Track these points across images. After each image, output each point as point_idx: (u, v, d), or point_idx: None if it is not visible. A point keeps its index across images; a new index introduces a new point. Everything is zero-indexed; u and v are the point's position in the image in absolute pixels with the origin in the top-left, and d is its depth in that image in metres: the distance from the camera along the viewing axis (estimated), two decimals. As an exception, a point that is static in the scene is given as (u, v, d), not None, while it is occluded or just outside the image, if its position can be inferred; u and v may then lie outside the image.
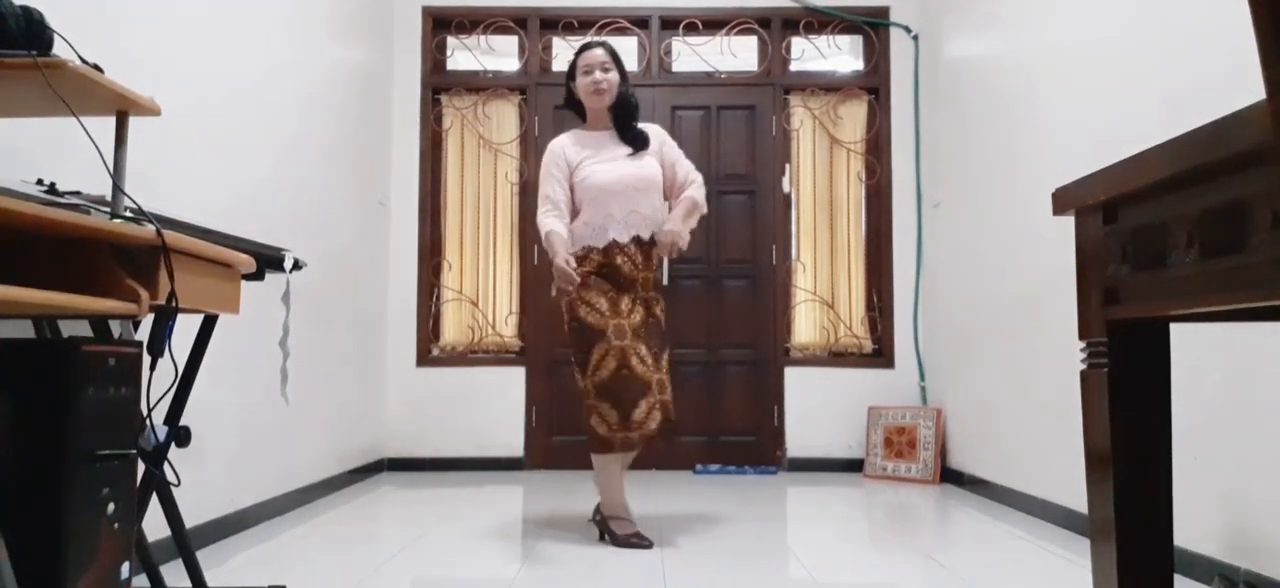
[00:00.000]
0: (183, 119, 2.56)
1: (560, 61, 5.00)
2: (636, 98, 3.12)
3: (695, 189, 3.03)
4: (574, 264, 2.84)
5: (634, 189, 2.94)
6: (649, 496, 3.86)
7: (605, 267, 2.91)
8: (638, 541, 2.83)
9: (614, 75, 3.01)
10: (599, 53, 3.03)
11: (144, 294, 1.39)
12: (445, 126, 4.93)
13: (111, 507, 1.43)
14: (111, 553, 1.44)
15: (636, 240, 2.94)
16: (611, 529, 2.90)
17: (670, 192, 3.07)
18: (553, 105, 4.90)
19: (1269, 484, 2.19)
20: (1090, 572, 1.20)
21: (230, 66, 2.94)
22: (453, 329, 4.88)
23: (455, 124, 4.93)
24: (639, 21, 4.92)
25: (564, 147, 3.04)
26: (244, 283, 1.89)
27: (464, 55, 5.04)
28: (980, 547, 2.96)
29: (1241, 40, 1.22)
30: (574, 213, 2.98)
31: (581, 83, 3.03)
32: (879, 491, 4.15)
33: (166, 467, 1.87)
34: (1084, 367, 1.20)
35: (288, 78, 3.43)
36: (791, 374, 4.77)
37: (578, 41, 4.93)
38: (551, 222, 2.91)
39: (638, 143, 3.01)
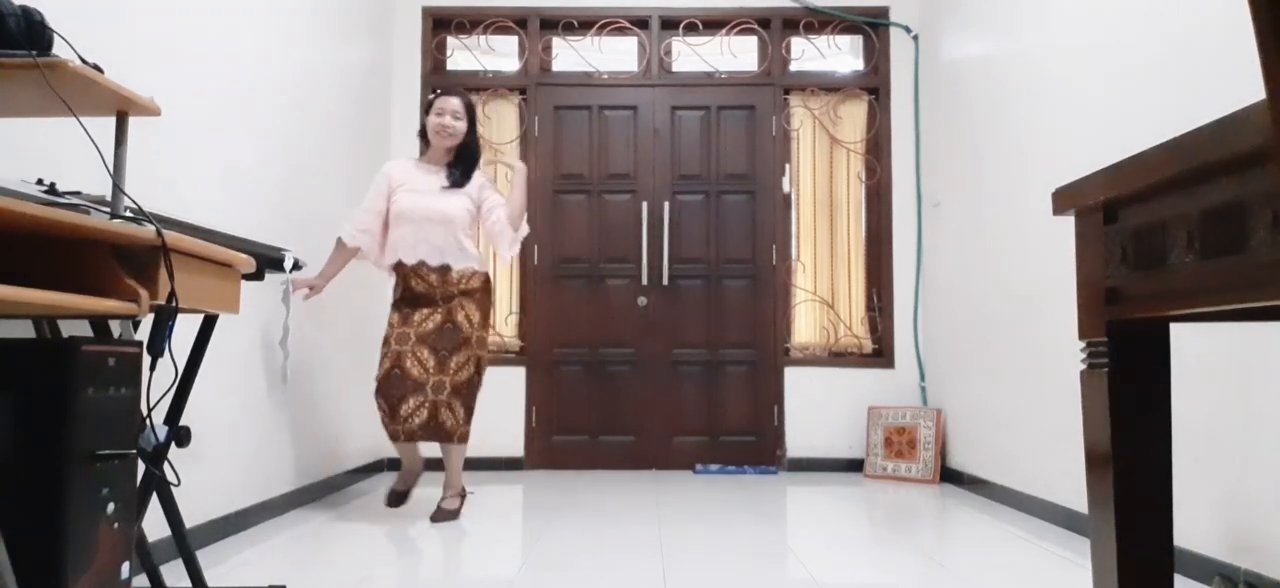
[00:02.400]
0: (182, 119, 2.56)
1: (560, 62, 5.01)
2: (480, 151, 3.50)
3: (501, 211, 3.39)
4: (316, 283, 3.32)
5: (428, 220, 3.29)
6: (649, 495, 3.86)
7: (406, 290, 3.31)
8: (388, 498, 3.45)
9: (462, 125, 3.37)
10: (454, 102, 3.38)
11: (144, 294, 1.39)
12: (445, 126, 4.92)
13: (111, 507, 1.43)
14: (111, 553, 1.44)
15: (426, 265, 3.30)
16: (405, 484, 3.46)
17: (483, 223, 3.43)
18: (553, 105, 4.91)
19: (1269, 484, 2.19)
20: (1090, 572, 1.20)
21: (230, 66, 2.94)
22: (453, 329, 4.87)
23: (455, 124, 4.93)
24: (639, 21, 4.92)
25: (392, 169, 3.42)
26: (244, 283, 1.89)
27: (464, 55, 5.04)
28: (980, 547, 2.96)
29: (1241, 40, 1.22)
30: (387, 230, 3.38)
31: (433, 121, 3.37)
32: (879, 491, 4.15)
33: (166, 467, 1.87)
34: (1084, 367, 1.20)
35: (288, 78, 3.43)
36: (791, 374, 4.77)
37: (578, 41, 4.95)
38: (344, 230, 3.36)
39: (456, 182, 3.35)
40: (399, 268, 3.32)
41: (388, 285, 4.68)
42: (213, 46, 2.83)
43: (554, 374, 4.76)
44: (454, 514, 3.32)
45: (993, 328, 3.84)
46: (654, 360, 4.78)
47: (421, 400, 3.18)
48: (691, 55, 4.97)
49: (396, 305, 3.33)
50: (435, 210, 3.30)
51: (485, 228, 3.43)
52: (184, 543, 1.99)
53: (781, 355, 4.79)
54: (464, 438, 3.28)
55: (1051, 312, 3.21)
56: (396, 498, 3.44)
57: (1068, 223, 1.27)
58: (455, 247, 3.31)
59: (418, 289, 3.29)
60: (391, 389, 3.19)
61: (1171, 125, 1.07)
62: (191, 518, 2.42)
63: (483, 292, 3.37)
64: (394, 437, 3.24)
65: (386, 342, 3.28)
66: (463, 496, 3.41)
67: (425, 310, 3.28)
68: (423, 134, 3.48)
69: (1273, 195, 0.82)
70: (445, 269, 3.30)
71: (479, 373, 3.31)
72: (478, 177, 3.43)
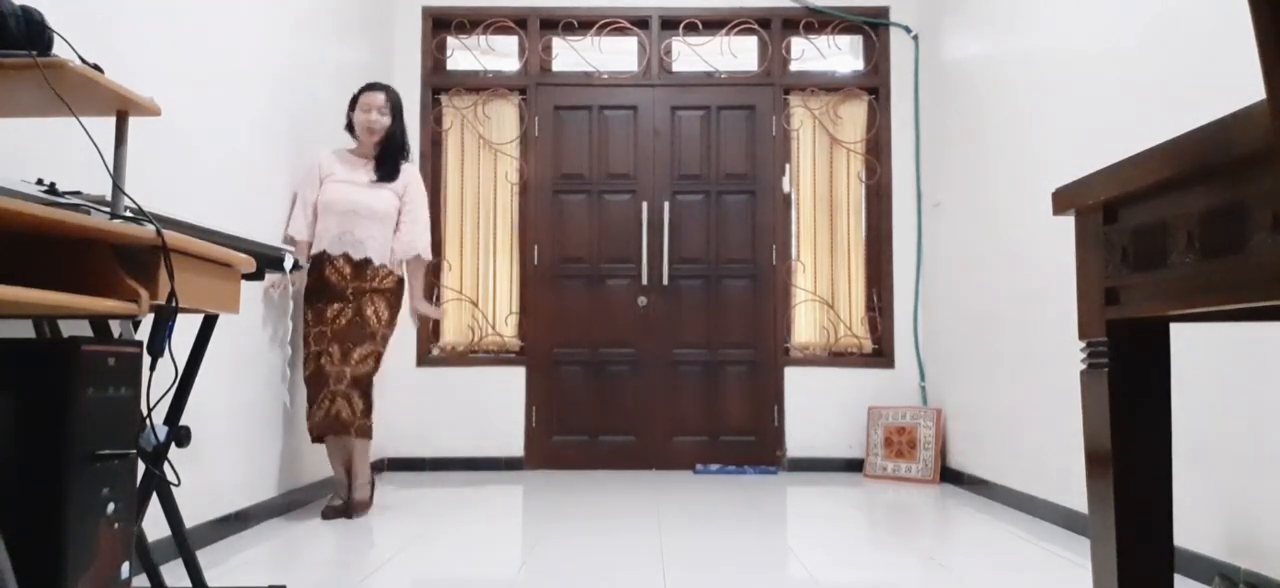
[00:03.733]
0: (183, 119, 2.56)
1: (560, 62, 5.00)
2: (407, 143, 3.55)
3: (424, 248, 3.49)
4: (287, 287, 3.35)
5: (354, 213, 3.33)
6: (649, 495, 3.86)
7: (319, 279, 3.32)
8: (325, 513, 3.28)
9: (386, 120, 3.42)
10: (380, 97, 3.43)
11: (144, 294, 1.39)
12: (445, 126, 4.93)
13: (111, 507, 1.43)
14: (111, 553, 1.44)
15: (346, 257, 3.32)
16: (341, 498, 3.35)
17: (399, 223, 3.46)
18: (553, 105, 4.91)
19: (1269, 484, 2.19)
20: (1090, 572, 1.20)
21: (230, 66, 2.94)
22: (453, 329, 4.88)
23: (455, 124, 4.93)
24: (639, 21, 4.92)
25: (322, 159, 3.45)
26: (244, 283, 1.89)
27: (464, 55, 5.04)
28: (980, 547, 2.96)
29: (1241, 40, 1.22)
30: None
31: (358, 117, 3.43)
32: (879, 491, 4.15)
33: (166, 467, 1.87)
34: (1084, 367, 1.20)
35: (288, 77, 3.43)
36: (791, 374, 4.77)
37: (578, 41, 4.95)
38: (294, 230, 3.36)
39: (384, 176, 3.41)
40: (317, 258, 3.33)
41: (388, 285, 4.72)
42: (213, 46, 2.82)
43: (554, 374, 4.76)
44: (365, 506, 3.32)
45: (993, 328, 3.84)
46: (654, 361, 4.78)
47: (327, 394, 3.23)
48: (691, 55, 4.97)
49: (308, 299, 3.34)
50: (362, 204, 3.35)
51: (399, 227, 3.45)
52: (184, 543, 1.99)
53: (781, 355, 4.79)
54: (363, 431, 3.27)
55: (1052, 311, 3.21)
56: (331, 513, 3.28)
57: (1068, 223, 1.27)
58: (379, 241, 3.37)
59: (331, 280, 3.31)
60: (313, 388, 3.26)
61: (1171, 125, 1.07)
62: (191, 518, 2.42)
63: (394, 292, 3.42)
64: (317, 431, 3.26)
65: (306, 341, 3.31)
66: (372, 485, 3.40)
67: (336, 306, 3.30)
68: (350, 128, 3.50)
69: (1273, 195, 0.81)
70: (365, 263, 3.33)
71: (377, 366, 3.34)
72: (406, 171, 3.49)
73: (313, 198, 3.38)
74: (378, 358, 3.34)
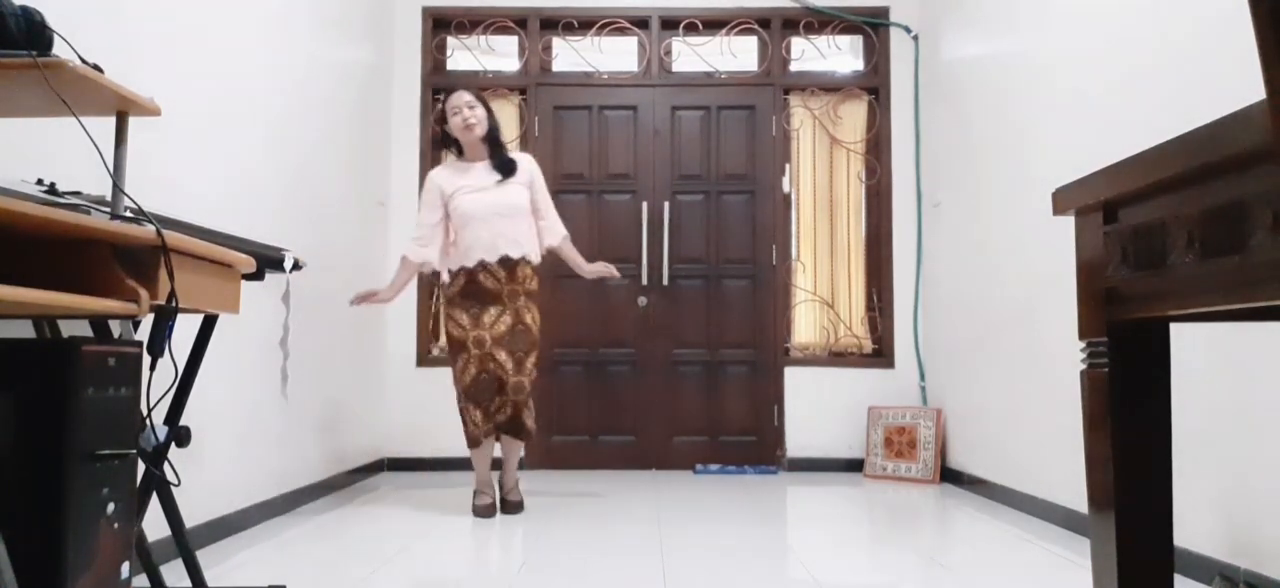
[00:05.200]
0: (183, 119, 2.56)
1: (560, 62, 5.00)
2: (500, 128, 3.59)
3: (564, 244, 3.57)
4: (376, 298, 3.51)
5: (498, 215, 3.37)
6: (649, 495, 3.86)
7: (470, 286, 3.36)
8: (482, 511, 3.38)
9: (480, 111, 3.45)
10: (465, 95, 3.48)
11: (144, 294, 1.39)
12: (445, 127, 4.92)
13: (111, 507, 1.43)
14: (111, 553, 1.44)
15: (502, 260, 3.37)
16: (474, 501, 3.44)
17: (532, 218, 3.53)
18: (553, 105, 4.91)
19: (1269, 484, 2.19)
20: (1090, 572, 1.20)
21: (230, 66, 2.94)
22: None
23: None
24: (639, 21, 4.92)
25: (440, 179, 3.49)
26: (244, 283, 1.89)
27: (464, 55, 5.04)
28: (980, 547, 2.96)
29: (1241, 40, 1.22)
30: (450, 237, 3.46)
31: (453, 122, 3.45)
32: (879, 491, 4.15)
33: (166, 467, 1.87)
34: (1084, 367, 1.20)
35: (288, 77, 3.43)
36: (791, 374, 4.77)
37: (578, 41, 4.95)
38: (410, 248, 3.45)
39: (506, 171, 3.44)
40: (471, 269, 3.36)
41: (385, 286, 4.71)
42: (213, 46, 2.82)
43: (554, 374, 4.76)
44: (521, 505, 3.46)
45: (993, 328, 3.84)
46: (654, 361, 4.78)
47: (504, 400, 3.35)
48: (691, 55, 4.97)
49: (460, 304, 3.37)
50: (503, 204, 3.39)
51: (538, 224, 3.52)
52: (184, 543, 1.98)
53: (781, 355, 4.79)
54: (531, 436, 3.47)
55: (1051, 312, 3.21)
56: (489, 510, 3.41)
57: (1068, 223, 1.27)
58: (527, 235, 3.43)
59: (486, 285, 3.36)
60: (481, 393, 3.34)
61: (1171, 125, 1.06)
62: (191, 518, 2.42)
63: (538, 292, 3.49)
64: (476, 441, 3.38)
65: (464, 346, 3.34)
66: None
67: (493, 311, 3.35)
68: (444, 142, 3.58)
69: (1273, 195, 0.81)
70: (517, 264, 3.38)
71: (537, 374, 3.48)
72: (522, 160, 3.53)
73: (436, 219, 3.42)
74: (539, 365, 3.46)
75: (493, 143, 3.48)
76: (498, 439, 3.47)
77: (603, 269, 3.62)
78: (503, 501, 3.47)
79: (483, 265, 3.35)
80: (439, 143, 3.59)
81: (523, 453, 3.57)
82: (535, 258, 3.46)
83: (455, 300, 3.38)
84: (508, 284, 3.37)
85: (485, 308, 3.35)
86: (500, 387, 3.34)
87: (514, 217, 3.39)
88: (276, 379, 3.31)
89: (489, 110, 3.50)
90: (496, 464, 3.52)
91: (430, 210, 3.44)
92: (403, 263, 3.47)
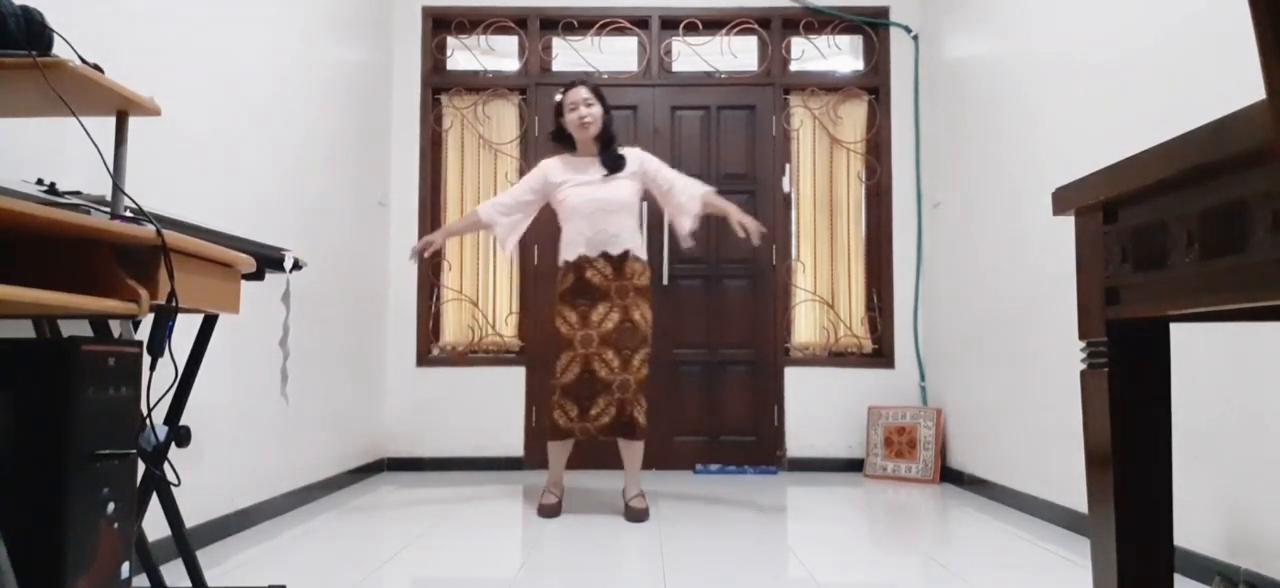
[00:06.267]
0: (183, 119, 2.56)
1: (560, 62, 5.00)
2: (614, 126, 3.55)
3: (708, 197, 3.47)
4: (431, 245, 3.52)
5: (601, 210, 3.35)
6: (650, 495, 3.86)
7: (578, 282, 3.34)
8: (546, 510, 3.35)
9: (597, 109, 3.44)
10: (582, 90, 3.46)
11: (144, 294, 1.39)
12: (445, 126, 4.93)
13: (111, 507, 1.43)
14: (111, 553, 1.44)
15: (605, 255, 3.34)
16: (540, 498, 3.44)
17: (663, 203, 3.52)
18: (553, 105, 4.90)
19: (1269, 484, 2.19)
20: (1090, 572, 1.20)
21: (230, 66, 2.94)
22: (453, 329, 4.88)
23: (455, 124, 4.93)
24: (639, 21, 4.92)
25: (551, 167, 3.50)
26: (244, 283, 1.89)
27: (464, 55, 5.04)
28: (980, 547, 2.96)
29: (1241, 40, 1.22)
30: (557, 231, 3.48)
31: (569, 119, 3.45)
32: (879, 491, 4.15)
33: (166, 467, 1.87)
34: (1084, 367, 1.20)
35: (287, 77, 3.43)
36: (791, 374, 4.77)
37: (578, 41, 4.95)
38: (486, 209, 3.48)
39: (613, 166, 3.41)
40: (574, 263, 3.36)
41: (388, 286, 4.73)
42: (213, 45, 2.82)
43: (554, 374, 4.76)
44: (646, 513, 3.34)
45: (993, 328, 3.84)
46: (654, 360, 4.76)
47: (609, 400, 3.28)
48: (691, 55, 4.97)
49: (569, 301, 3.35)
50: (608, 200, 3.36)
51: (671, 201, 3.46)
52: (184, 543, 1.99)
53: (781, 355, 4.79)
54: (646, 433, 3.39)
55: (1051, 311, 3.21)
56: (552, 510, 3.38)
57: (1068, 223, 1.27)
58: (631, 231, 3.38)
59: (593, 281, 3.34)
60: (582, 391, 3.30)
61: (1171, 125, 1.06)
62: (191, 518, 2.42)
63: (649, 288, 3.43)
64: (559, 435, 3.34)
65: (569, 343, 3.32)
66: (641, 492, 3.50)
67: (602, 308, 3.32)
68: (558, 136, 3.54)
69: (1273, 195, 0.82)
70: (622, 259, 3.35)
71: (649, 371, 3.40)
72: (632, 153, 3.50)
73: (527, 199, 3.45)
74: (650, 361, 3.39)
75: (606, 141, 3.46)
76: (599, 439, 3.38)
77: (754, 226, 3.42)
78: (625, 507, 3.36)
79: (588, 261, 3.33)
80: (555, 138, 3.56)
81: (640, 457, 3.46)
82: (642, 253, 3.41)
83: (565, 297, 3.36)
84: (616, 281, 3.33)
85: (593, 305, 3.32)
86: (604, 388, 3.28)
87: (617, 213, 3.35)
88: (276, 379, 3.31)
89: (606, 108, 3.48)
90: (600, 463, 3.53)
91: (524, 189, 3.46)
92: (472, 213, 3.50)
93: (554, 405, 3.35)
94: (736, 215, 3.44)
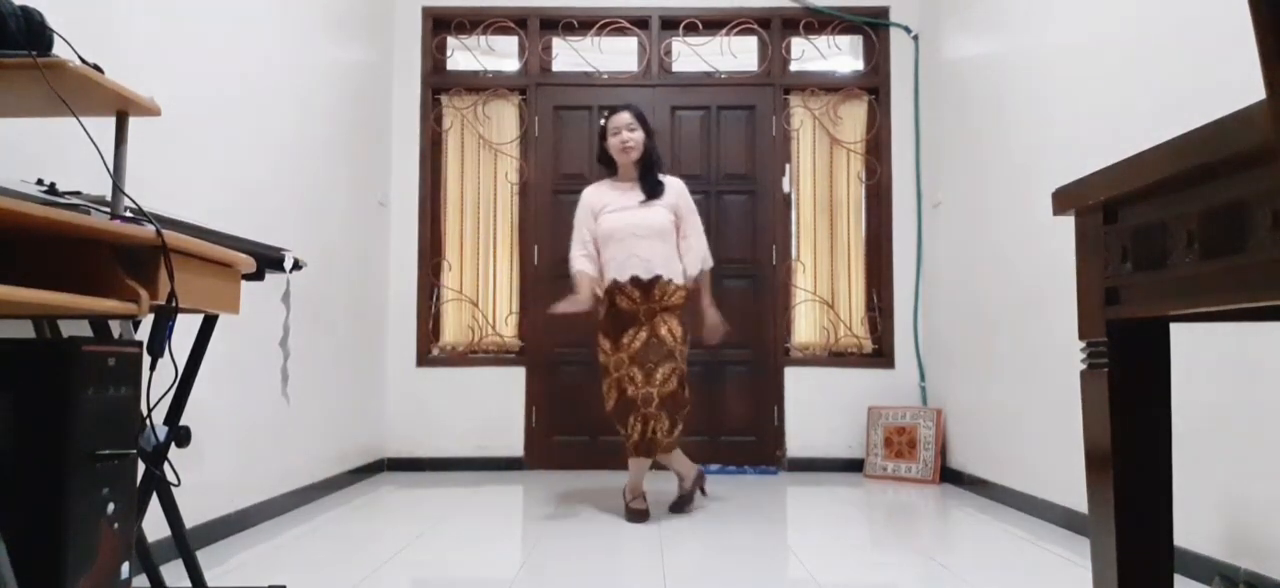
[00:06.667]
0: (183, 119, 2.56)
1: (560, 62, 5.01)
2: (659, 153, 3.59)
3: (704, 260, 3.50)
4: (588, 302, 3.42)
5: (634, 235, 3.37)
6: (650, 495, 3.85)
7: (612, 309, 3.40)
8: (633, 516, 3.33)
9: (639, 135, 3.46)
10: (625, 116, 3.48)
11: (144, 294, 1.39)
12: (445, 126, 4.93)
13: (111, 507, 1.43)
14: (111, 553, 1.44)
15: (634, 280, 3.35)
16: (629, 503, 3.42)
17: (680, 238, 3.50)
18: (553, 105, 4.91)
19: (1269, 484, 2.19)
20: (1090, 572, 1.20)
21: (230, 66, 2.94)
22: (453, 329, 4.88)
23: (455, 124, 4.93)
24: (639, 21, 4.92)
25: (590, 196, 3.53)
26: (244, 283, 1.89)
27: (464, 55, 5.04)
28: (980, 547, 2.96)
29: (1241, 40, 1.22)
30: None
31: (612, 142, 3.48)
32: (879, 491, 4.15)
33: (166, 467, 1.87)
34: (1084, 367, 1.20)
35: (288, 78, 3.43)
36: (791, 374, 4.77)
37: (578, 41, 4.95)
38: (580, 263, 3.47)
39: (651, 193, 3.44)
40: (610, 289, 3.39)
41: (388, 286, 4.73)
42: (213, 46, 2.82)
43: (554, 374, 4.76)
44: (690, 499, 3.49)
45: (993, 328, 3.84)
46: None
47: (636, 417, 3.29)
48: (691, 55, 4.97)
49: (606, 328, 3.41)
50: (639, 224, 3.39)
51: (682, 247, 3.48)
52: (184, 543, 1.99)
53: (781, 355, 4.79)
54: (671, 447, 3.37)
55: (1051, 311, 3.21)
56: (640, 516, 3.35)
57: (1068, 223, 1.27)
58: (663, 257, 3.38)
59: (623, 307, 3.37)
60: (624, 414, 3.33)
61: (1172, 125, 1.06)
62: (191, 518, 2.42)
63: (682, 307, 3.42)
64: (634, 453, 3.35)
65: (606, 371, 3.39)
66: (698, 478, 3.58)
67: (631, 330, 3.35)
68: (602, 160, 3.57)
69: (1273, 195, 0.81)
70: (653, 282, 3.35)
71: (682, 388, 3.35)
72: (671, 184, 3.51)
73: (588, 235, 3.47)
74: (681, 377, 3.35)
75: (646, 166, 3.48)
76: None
77: (715, 319, 3.52)
78: (672, 499, 3.49)
79: (619, 287, 3.36)
80: (599, 160, 3.60)
81: (675, 458, 3.48)
82: (676, 277, 3.39)
83: (604, 326, 3.42)
84: (644, 304, 3.35)
85: (624, 330, 3.35)
86: (632, 407, 3.30)
87: (649, 238, 3.37)
88: (276, 379, 3.31)
89: (649, 133, 3.50)
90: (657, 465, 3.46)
91: (582, 227, 3.50)
92: (582, 277, 3.44)
93: (616, 428, 3.41)
94: (708, 313, 3.53)
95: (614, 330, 3.37)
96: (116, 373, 1.45)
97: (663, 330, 3.33)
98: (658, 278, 3.35)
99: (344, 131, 4.06)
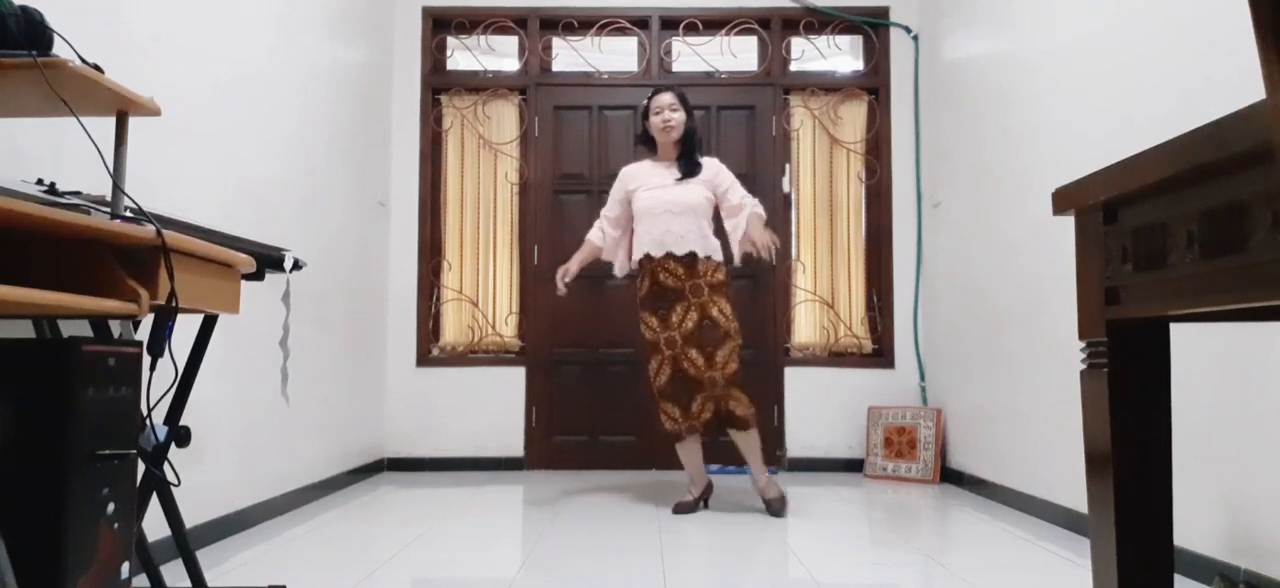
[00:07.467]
0: (183, 119, 2.56)
1: (560, 62, 5.01)
2: (700, 136, 3.67)
3: (754, 206, 3.50)
4: (568, 275, 3.55)
5: (668, 212, 3.41)
6: (649, 495, 3.86)
7: (654, 286, 3.41)
8: (681, 508, 3.43)
9: (681, 115, 3.51)
10: (669, 96, 3.54)
11: (144, 294, 1.39)
12: (445, 127, 4.93)
13: (111, 507, 1.43)
14: (111, 553, 1.44)
15: (671, 256, 3.38)
16: (694, 494, 3.51)
17: (725, 217, 3.52)
18: (553, 105, 4.91)
19: (1269, 484, 2.19)
20: (1090, 572, 1.20)
21: (230, 67, 2.94)
22: (453, 329, 4.88)
23: (455, 124, 4.93)
24: (639, 21, 4.92)
25: (629, 173, 3.60)
26: (244, 283, 1.89)
27: (464, 55, 5.04)
28: (980, 547, 2.96)
29: (1242, 40, 1.22)
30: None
31: (654, 121, 3.53)
32: (879, 491, 4.15)
33: (166, 467, 1.87)
34: (1084, 367, 1.20)
35: (288, 78, 3.43)
36: (791, 374, 4.77)
37: (578, 41, 4.95)
38: (593, 233, 3.60)
39: (688, 171, 3.49)
40: (645, 263, 3.43)
41: (388, 286, 4.73)
42: (212, 46, 2.82)
43: (554, 374, 4.76)
44: (782, 501, 3.44)
45: (993, 328, 3.84)
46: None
47: (706, 397, 3.35)
48: (691, 55, 4.97)
49: (648, 306, 3.43)
50: (675, 202, 3.43)
51: (731, 218, 3.49)
52: (184, 543, 1.99)
53: (781, 355, 4.79)
54: (751, 423, 3.40)
55: (1051, 312, 3.21)
56: (688, 507, 3.45)
57: (1068, 223, 1.27)
58: (698, 233, 3.41)
59: (666, 283, 3.39)
60: (679, 392, 3.38)
61: (1172, 125, 1.06)
62: (191, 518, 2.42)
63: (726, 283, 3.47)
64: (682, 434, 3.42)
65: (656, 347, 3.41)
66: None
67: (679, 309, 3.37)
68: (643, 140, 3.62)
69: (1273, 195, 0.81)
70: (691, 258, 3.39)
71: (739, 364, 3.41)
72: (708, 163, 3.55)
73: (617, 213, 3.54)
74: (738, 354, 3.41)
75: (687, 146, 3.52)
76: (716, 436, 3.49)
77: (767, 242, 3.39)
78: (764, 500, 3.44)
79: (658, 262, 3.38)
80: (640, 140, 3.65)
81: (757, 445, 3.45)
82: (714, 253, 3.42)
83: (645, 303, 3.44)
84: (689, 281, 3.38)
85: (671, 307, 3.38)
86: (697, 386, 3.35)
87: (685, 215, 3.40)
88: (276, 379, 3.30)
89: (690, 114, 3.54)
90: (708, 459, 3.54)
91: (613, 203, 3.56)
92: (586, 241, 3.59)
93: (660, 411, 3.43)
94: (753, 233, 3.42)
95: (659, 306, 3.39)
96: (116, 373, 1.45)
97: (714, 311, 3.36)
98: (694, 255, 3.38)
99: (344, 131, 4.06)
